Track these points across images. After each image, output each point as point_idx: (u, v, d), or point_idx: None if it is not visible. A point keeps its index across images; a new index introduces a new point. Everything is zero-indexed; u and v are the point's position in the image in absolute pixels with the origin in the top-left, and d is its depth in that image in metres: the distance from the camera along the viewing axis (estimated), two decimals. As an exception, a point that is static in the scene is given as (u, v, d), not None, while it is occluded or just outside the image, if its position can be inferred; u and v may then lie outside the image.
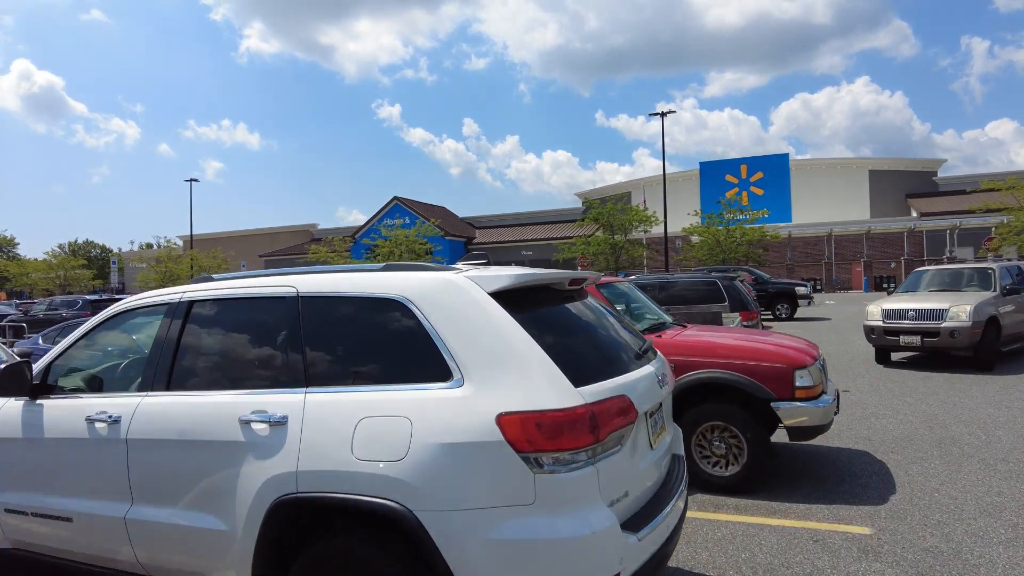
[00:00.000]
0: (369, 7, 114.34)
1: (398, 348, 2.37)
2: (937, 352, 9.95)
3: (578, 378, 2.20)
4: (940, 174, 50.74)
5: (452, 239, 53.60)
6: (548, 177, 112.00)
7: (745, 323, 9.67)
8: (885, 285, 40.80)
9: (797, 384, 4.40)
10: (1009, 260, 28.52)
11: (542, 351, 2.20)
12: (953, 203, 45.54)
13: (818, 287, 40.39)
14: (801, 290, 20.91)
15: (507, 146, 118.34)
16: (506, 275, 2.41)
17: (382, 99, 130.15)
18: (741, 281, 11.67)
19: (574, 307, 2.76)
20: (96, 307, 21.09)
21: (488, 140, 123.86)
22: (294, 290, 2.65)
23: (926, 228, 42.73)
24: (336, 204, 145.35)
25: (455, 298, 2.32)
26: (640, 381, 2.55)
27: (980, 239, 41.31)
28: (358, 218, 68.05)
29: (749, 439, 4.43)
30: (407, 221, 49.69)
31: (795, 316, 20.48)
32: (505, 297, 2.34)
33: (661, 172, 52.05)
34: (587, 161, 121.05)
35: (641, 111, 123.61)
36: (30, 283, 51.06)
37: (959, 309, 9.33)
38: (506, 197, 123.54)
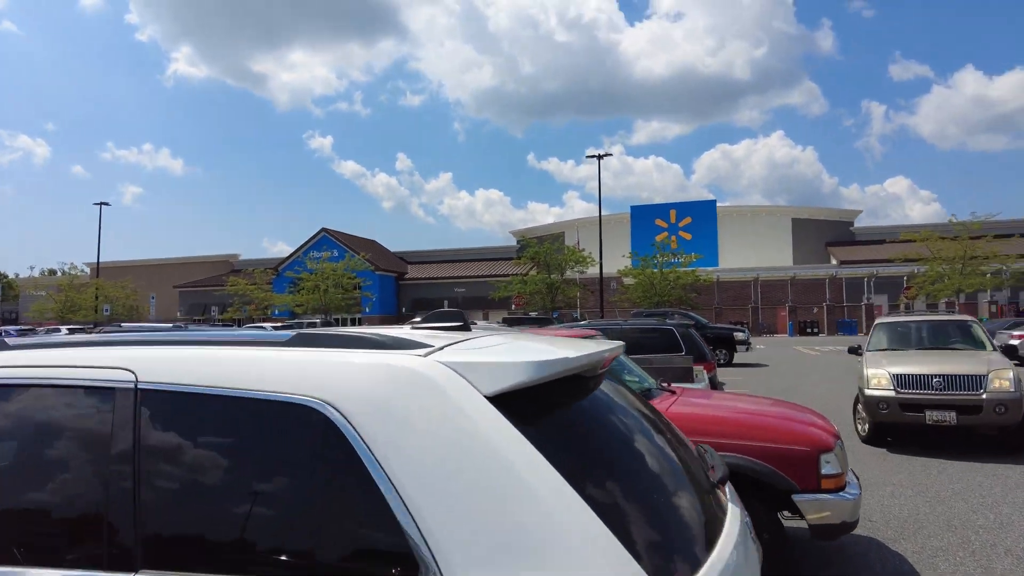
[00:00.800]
0: (305, 38, 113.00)
1: (310, 510, 1.28)
2: (959, 429, 7.58)
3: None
4: (856, 224, 53.34)
5: (382, 274, 51.98)
6: (481, 215, 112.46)
7: (708, 375, 8.95)
8: (809, 330, 42.02)
9: (823, 472, 3.54)
10: (948, 310, 30.01)
11: (602, 525, 1.15)
12: (870, 252, 47.79)
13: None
14: (739, 335, 20.72)
15: (440, 182, 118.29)
16: (518, 363, 1.34)
17: (314, 130, 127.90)
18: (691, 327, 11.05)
19: (607, 405, 1.67)
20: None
21: (421, 176, 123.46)
22: (130, 378, 1.47)
23: (846, 276, 44.44)
24: (261, 235, 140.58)
25: (427, 410, 1.27)
26: (737, 552, 1.49)
27: (895, 287, 43.33)
28: (283, 249, 65.48)
29: (766, 540, 3.51)
30: (335, 254, 47.92)
31: (733, 362, 20.20)
32: (516, 404, 1.30)
33: (592, 214, 52.55)
34: (519, 200, 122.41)
35: (572, 155, 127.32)
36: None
37: (999, 375, 7.27)
38: (439, 233, 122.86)
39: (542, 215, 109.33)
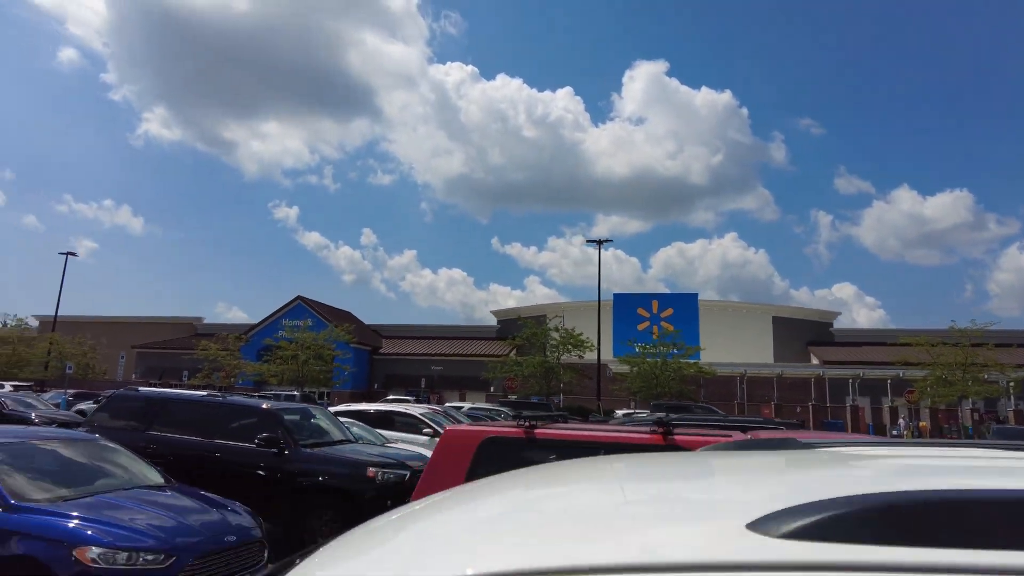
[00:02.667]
0: (278, 110, 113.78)
1: None
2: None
3: None
4: (835, 325, 54.06)
5: (357, 347, 49.88)
6: (443, 293, 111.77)
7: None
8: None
9: None
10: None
11: None
12: (849, 354, 48.14)
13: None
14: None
15: (404, 259, 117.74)
16: None
17: (280, 200, 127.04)
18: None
19: None
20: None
21: (385, 251, 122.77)
22: None
23: (830, 376, 44.37)
24: (216, 300, 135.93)
25: None
26: None
27: (876, 390, 43.36)
28: (238, 315, 62.82)
29: None
30: (311, 323, 45.92)
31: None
32: None
33: (556, 299, 52.15)
34: (481, 282, 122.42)
35: (534, 241, 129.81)
36: None
37: None
38: (399, 308, 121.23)
39: (504, 297, 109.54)
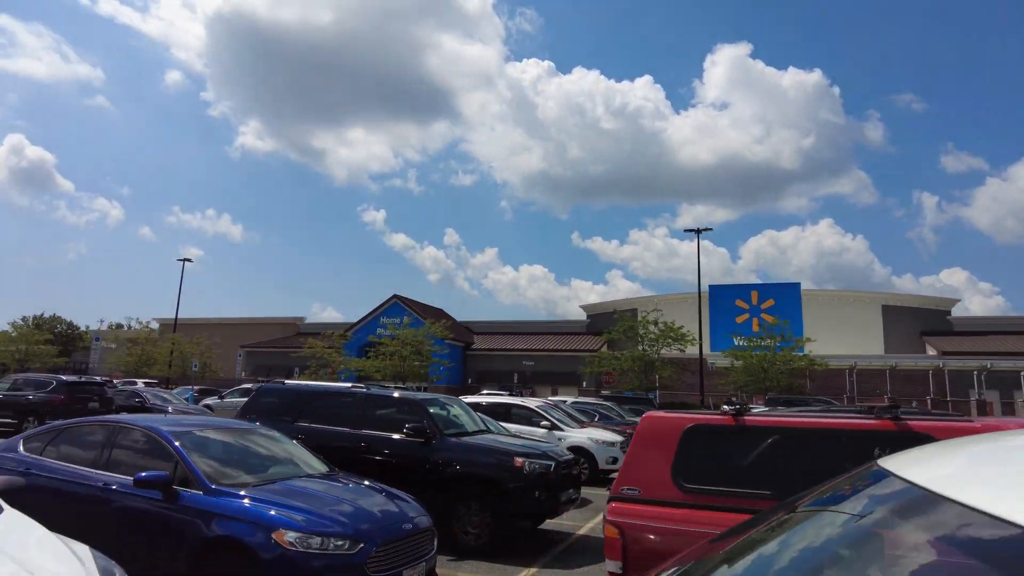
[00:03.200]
0: (364, 118, 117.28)
1: None
2: None
3: None
4: (954, 313, 50.24)
5: (451, 343, 50.70)
6: (524, 289, 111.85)
7: None
8: (914, 425, 38.58)
9: None
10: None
11: None
12: (971, 344, 44.52)
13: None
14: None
15: (486, 257, 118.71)
16: None
17: (368, 203, 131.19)
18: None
19: None
20: (73, 390, 17.64)
21: (468, 250, 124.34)
22: None
23: (951, 368, 41.27)
24: (311, 301, 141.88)
25: None
26: None
27: (1007, 383, 39.92)
28: (332, 315, 64.76)
29: None
30: (409, 320, 47.13)
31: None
32: None
33: (640, 293, 51.00)
34: (562, 277, 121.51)
35: (615, 236, 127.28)
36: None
37: None
38: (482, 306, 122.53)
39: (585, 292, 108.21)
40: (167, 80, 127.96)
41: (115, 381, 30.65)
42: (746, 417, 4.11)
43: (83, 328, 75.75)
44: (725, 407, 4.23)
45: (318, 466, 6.51)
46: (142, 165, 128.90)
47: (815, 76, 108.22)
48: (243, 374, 53.70)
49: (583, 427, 15.07)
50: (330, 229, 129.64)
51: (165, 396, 21.07)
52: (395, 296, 52.71)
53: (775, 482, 3.80)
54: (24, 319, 63.04)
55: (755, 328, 51.45)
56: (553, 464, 8.11)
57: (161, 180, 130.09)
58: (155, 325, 62.69)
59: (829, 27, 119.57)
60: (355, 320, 54.57)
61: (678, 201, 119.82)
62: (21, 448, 6.24)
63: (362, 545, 4.94)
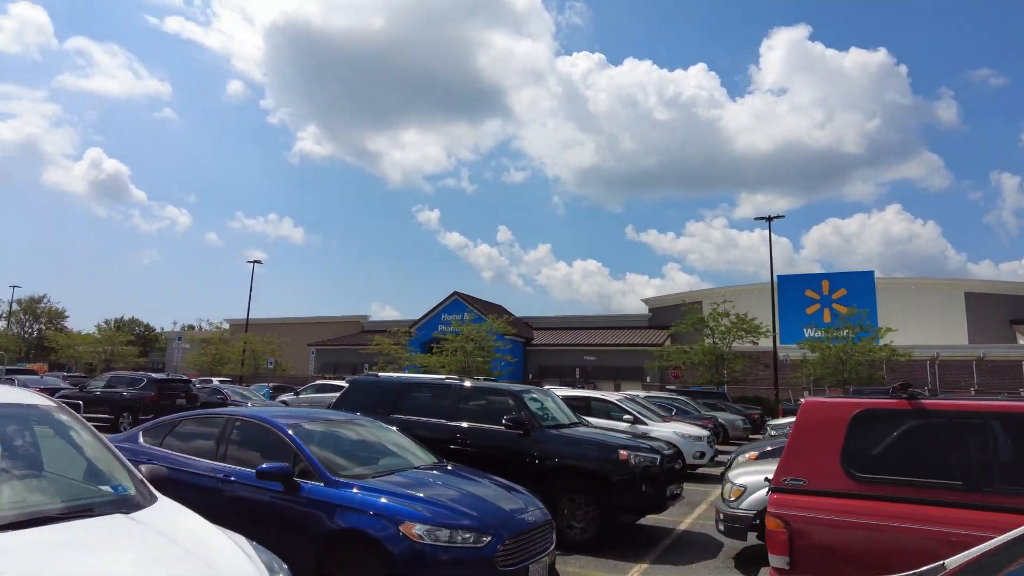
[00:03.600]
0: (417, 120, 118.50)
1: None
2: None
3: None
4: (1046, 300, 47.18)
5: (512, 338, 50.66)
6: (578, 285, 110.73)
7: None
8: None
9: None
10: None
11: None
12: (1068, 333, 41.70)
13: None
14: None
15: (539, 253, 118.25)
16: None
17: (422, 204, 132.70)
18: None
19: None
20: (162, 387, 18.26)
21: (521, 247, 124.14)
22: None
23: (1048, 358, 38.74)
24: (369, 300, 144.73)
25: None
26: None
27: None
28: (391, 313, 65.64)
29: None
30: (471, 317, 47.34)
31: None
32: None
33: (699, 286, 49.57)
34: (617, 271, 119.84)
35: (671, 228, 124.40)
36: (75, 356, 48.97)
37: None
38: (536, 302, 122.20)
39: (641, 286, 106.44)
40: (229, 90, 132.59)
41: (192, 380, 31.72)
42: (923, 401, 3.74)
43: (158, 330, 79.19)
44: (892, 390, 3.87)
45: (426, 457, 6.39)
46: (207, 173, 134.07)
47: (880, 56, 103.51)
48: (311, 371, 55.04)
49: (666, 421, 14.64)
50: (386, 230, 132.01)
51: (244, 392, 21.62)
52: (455, 293, 53.02)
53: (966, 472, 3.42)
54: (107, 322, 66.38)
55: (826, 319, 49.47)
56: (658, 458, 7.80)
57: (225, 187, 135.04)
58: (226, 325, 64.91)
59: (894, 3, 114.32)
60: (415, 318, 55.21)
61: (736, 191, 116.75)
62: (141, 439, 6.34)
63: (490, 538, 4.76)
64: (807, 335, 35.30)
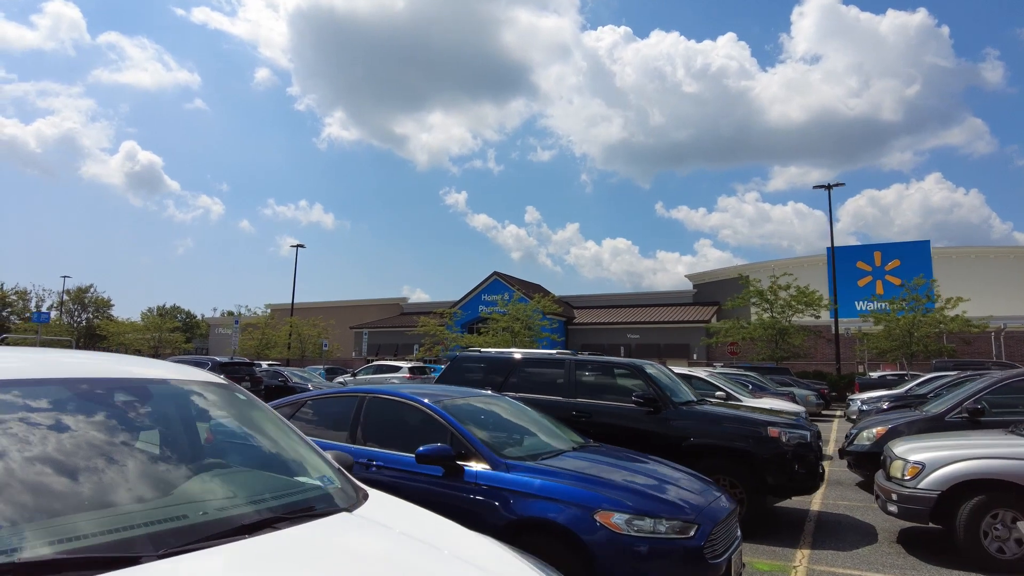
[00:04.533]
0: (442, 101, 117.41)
1: None
2: None
3: None
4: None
5: (553, 317, 50.08)
6: (608, 264, 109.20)
7: None
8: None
9: None
10: None
11: None
12: None
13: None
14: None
15: (567, 233, 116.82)
16: None
17: (450, 186, 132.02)
18: None
19: None
20: (227, 371, 18.02)
21: (549, 227, 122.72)
22: None
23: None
24: (400, 283, 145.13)
25: None
26: None
27: None
28: (421, 296, 65.51)
29: None
30: (512, 296, 46.85)
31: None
32: None
33: (730, 263, 48.22)
34: (647, 250, 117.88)
35: (702, 203, 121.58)
36: (125, 343, 49.68)
37: None
38: (565, 282, 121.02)
39: (672, 263, 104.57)
40: (257, 78, 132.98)
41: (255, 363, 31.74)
42: None
43: (198, 316, 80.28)
44: None
45: (569, 435, 5.80)
46: (238, 161, 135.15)
47: (919, 17, 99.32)
48: (353, 354, 55.20)
49: (755, 397, 13.91)
50: (415, 213, 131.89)
51: (303, 375, 21.38)
52: (495, 273, 52.48)
53: None
54: (150, 309, 67.43)
55: (879, 291, 47.87)
56: (808, 434, 7.11)
57: (256, 174, 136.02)
58: (266, 311, 65.41)
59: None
60: (446, 300, 54.89)
61: (769, 164, 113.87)
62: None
63: (697, 527, 4.15)
64: (859, 308, 33.92)
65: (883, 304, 31.03)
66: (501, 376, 8.42)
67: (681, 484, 4.70)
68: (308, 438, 3.27)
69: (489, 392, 6.60)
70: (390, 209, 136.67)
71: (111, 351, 51.22)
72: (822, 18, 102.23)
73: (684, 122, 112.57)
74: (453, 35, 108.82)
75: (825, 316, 32.12)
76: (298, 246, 44.35)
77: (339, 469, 3.08)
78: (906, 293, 29.15)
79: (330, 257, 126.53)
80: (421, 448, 4.58)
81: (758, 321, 30.67)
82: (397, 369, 23.26)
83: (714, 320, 49.93)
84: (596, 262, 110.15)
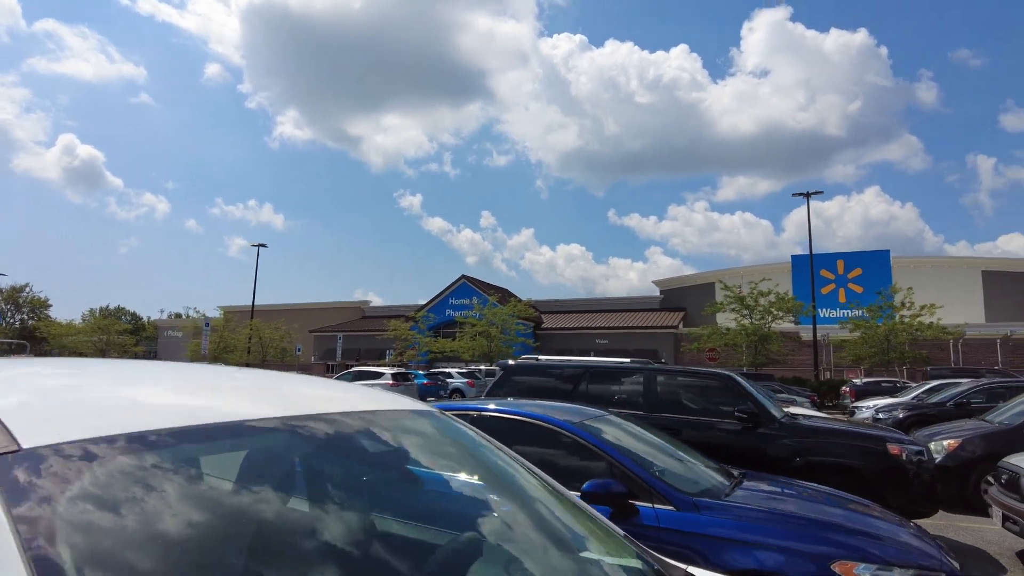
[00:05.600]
0: (398, 103, 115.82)
1: None
2: None
3: None
4: (1060, 278, 47.00)
5: (524, 321, 49.39)
6: (562, 269, 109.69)
7: None
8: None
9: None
10: None
11: None
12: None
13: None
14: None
15: (522, 238, 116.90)
16: None
17: (405, 189, 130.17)
18: None
19: None
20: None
21: (504, 232, 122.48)
22: None
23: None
24: (353, 287, 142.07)
25: None
26: None
27: None
28: (374, 300, 63.70)
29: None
30: (479, 301, 45.98)
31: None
32: None
33: (679, 272, 48.83)
34: (600, 256, 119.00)
35: (653, 212, 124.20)
36: (68, 346, 46.53)
37: None
38: (520, 287, 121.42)
39: (624, 270, 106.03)
40: (207, 74, 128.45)
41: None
42: None
43: (145, 318, 76.40)
44: None
45: (709, 462, 4.99)
46: (185, 159, 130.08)
47: (860, 36, 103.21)
48: (339, 358, 53.17)
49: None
50: (369, 215, 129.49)
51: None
52: (463, 277, 51.45)
53: None
54: (92, 311, 63.69)
55: (841, 299, 49.05)
56: (924, 450, 6.49)
57: (204, 173, 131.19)
58: (218, 313, 62.59)
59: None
60: (413, 303, 53.59)
61: (718, 174, 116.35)
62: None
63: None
64: (822, 316, 34.31)
65: (861, 311, 31.36)
66: (568, 387, 7.56)
67: (896, 524, 3.94)
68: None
69: (607, 412, 5.74)
70: (343, 211, 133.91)
71: (53, 355, 47.91)
72: (771, 34, 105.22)
73: (638, 132, 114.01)
74: (410, 37, 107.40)
75: (789, 322, 32.31)
76: (259, 245, 42.38)
77: (639, 546, 2.18)
78: (881, 300, 29.55)
79: (281, 259, 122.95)
80: (587, 485, 3.69)
81: (739, 327, 30.57)
82: (379, 375, 22.02)
83: (681, 326, 50.10)
84: (551, 267, 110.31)
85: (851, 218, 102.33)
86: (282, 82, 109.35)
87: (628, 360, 8.10)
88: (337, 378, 24.57)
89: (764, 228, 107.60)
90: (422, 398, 23.57)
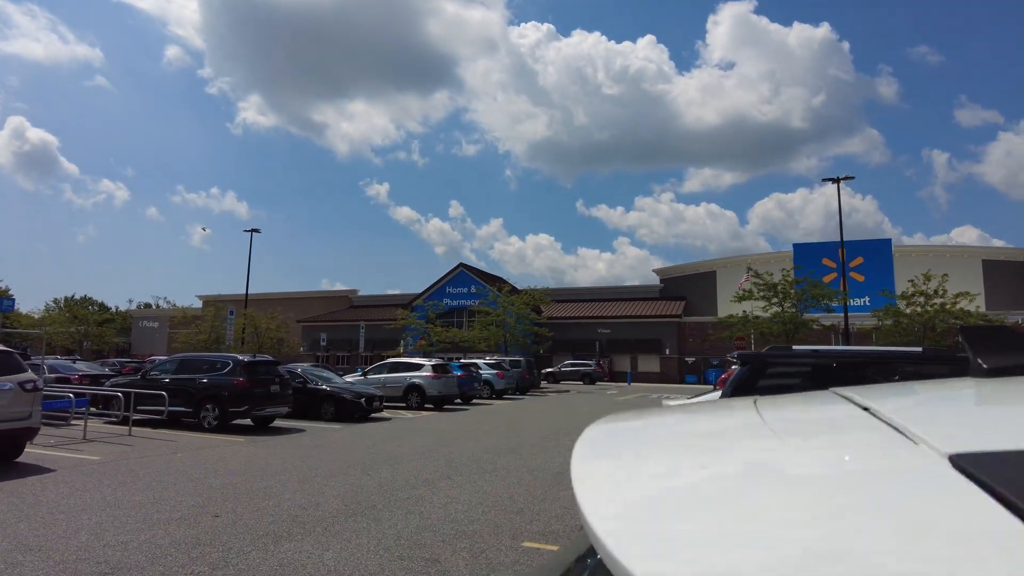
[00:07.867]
0: (365, 90, 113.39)
1: None
2: None
3: None
4: (1055, 267, 47.57)
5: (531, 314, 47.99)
6: (531, 259, 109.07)
7: None
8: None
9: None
10: None
11: None
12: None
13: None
14: None
15: (492, 228, 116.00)
16: None
17: (371, 178, 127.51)
18: None
19: None
20: (253, 372, 14.56)
21: (473, 222, 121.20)
22: None
23: (1078, 323, 38.66)
24: (320, 276, 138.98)
25: None
26: None
27: None
28: (340, 289, 61.55)
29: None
30: (478, 290, 44.42)
31: None
32: None
33: (657, 263, 48.27)
34: (569, 246, 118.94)
35: (620, 202, 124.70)
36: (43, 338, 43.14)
37: None
38: (507, 277, 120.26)
39: (592, 260, 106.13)
40: (166, 57, 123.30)
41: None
42: None
43: (112, 308, 72.61)
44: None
45: None
46: (144, 145, 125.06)
47: (823, 31, 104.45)
48: (302, 349, 50.88)
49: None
50: (334, 204, 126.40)
51: (326, 375, 18.17)
52: (461, 265, 49.73)
53: None
54: (55, 301, 59.94)
55: (843, 288, 48.84)
56: None
57: (164, 159, 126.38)
58: (197, 303, 59.63)
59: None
60: (391, 292, 51.73)
61: (684, 166, 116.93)
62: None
63: None
64: (852, 304, 33.73)
65: (894, 299, 30.73)
66: (839, 382, 6.09)
67: None
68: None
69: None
70: (308, 199, 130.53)
71: (26, 348, 44.66)
72: (735, 27, 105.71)
73: (605, 123, 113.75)
74: (378, 23, 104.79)
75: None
76: (252, 231, 39.99)
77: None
78: (911, 289, 29.01)
79: (243, 247, 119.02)
80: None
81: (773, 315, 29.60)
82: (419, 367, 20.32)
83: (683, 315, 49.28)
84: (520, 257, 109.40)
85: (814, 209, 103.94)
86: (244, 67, 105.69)
87: (885, 347, 6.66)
88: (371, 369, 22.85)
89: (729, 219, 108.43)
90: (460, 390, 21.95)
